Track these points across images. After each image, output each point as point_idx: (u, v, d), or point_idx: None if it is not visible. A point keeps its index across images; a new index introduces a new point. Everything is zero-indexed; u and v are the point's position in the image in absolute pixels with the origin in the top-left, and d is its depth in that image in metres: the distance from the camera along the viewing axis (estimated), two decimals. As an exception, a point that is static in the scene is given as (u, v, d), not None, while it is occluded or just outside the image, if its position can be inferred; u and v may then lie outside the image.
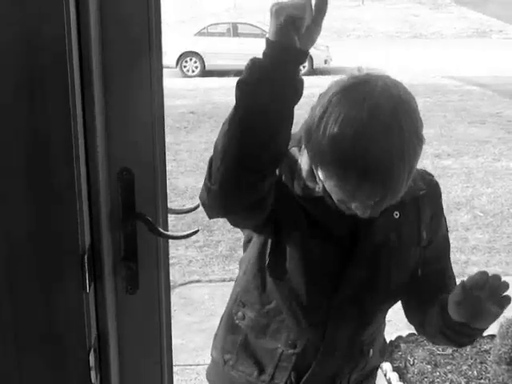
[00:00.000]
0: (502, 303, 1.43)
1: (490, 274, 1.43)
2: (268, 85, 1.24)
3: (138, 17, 1.09)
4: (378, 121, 1.30)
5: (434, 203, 1.66)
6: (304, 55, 1.28)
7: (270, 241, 1.59)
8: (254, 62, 1.26)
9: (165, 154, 1.19)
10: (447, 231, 1.73)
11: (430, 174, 1.69)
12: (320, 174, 1.41)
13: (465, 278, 1.45)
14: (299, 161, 1.53)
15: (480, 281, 1.43)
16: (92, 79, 1.06)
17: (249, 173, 1.32)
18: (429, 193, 1.64)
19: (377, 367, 1.90)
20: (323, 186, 1.43)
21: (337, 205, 1.45)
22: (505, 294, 1.43)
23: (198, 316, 4.52)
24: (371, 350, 1.77)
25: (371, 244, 1.58)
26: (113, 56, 1.10)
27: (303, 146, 1.47)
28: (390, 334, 1.80)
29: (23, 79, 0.98)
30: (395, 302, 1.72)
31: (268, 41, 1.26)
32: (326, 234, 1.56)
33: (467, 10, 30.69)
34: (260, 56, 1.27)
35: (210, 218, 1.47)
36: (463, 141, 9.41)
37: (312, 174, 1.47)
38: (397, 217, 1.57)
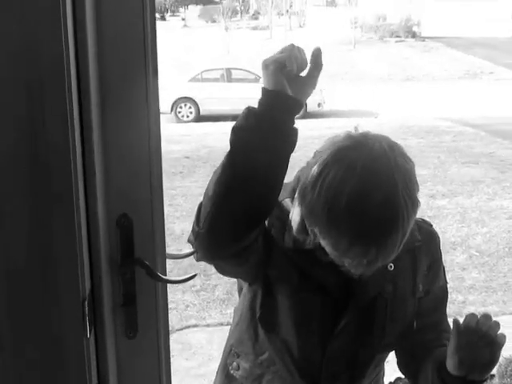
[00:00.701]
0: (497, 342, 1.44)
1: (479, 316, 1.45)
2: (262, 131, 1.28)
3: (135, 65, 1.13)
4: (373, 186, 1.30)
5: (431, 253, 1.65)
6: (298, 104, 1.32)
7: (260, 292, 1.59)
8: (249, 110, 1.30)
9: (162, 199, 1.22)
10: (446, 282, 1.71)
11: (427, 223, 1.68)
12: (314, 231, 1.40)
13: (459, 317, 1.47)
14: (291, 212, 1.52)
15: (471, 323, 1.44)
16: (91, 126, 1.09)
17: (237, 220, 1.33)
18: (426, 243, 1.62)
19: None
20: (315, 239, 1.42)
21: (330, 258, 1.43)
22: (499, 332, 1.44)
23: (196, 361, 4.50)
24: None
25: (365, 296, 1.57)
26: (111, 102, 1.13)
27: (295, 198, 1.46)
28: (388, 376, 1.79)
29: (21, 129, 1.02)
30: (389, 352, 1.72)
31: (263, 90, 1.31)
32: (318, 287, 1.55)
33: (457, 52, 31.10)
34: (255, 103, 1.31)
35: (197, 260, 1.48)
36: (457, 181, 9.47)
37: (303, 227, 1.45)
38: (391, 269, 1.56)
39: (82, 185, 1.08)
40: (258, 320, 1.61)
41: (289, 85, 1.32)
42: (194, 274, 1.31)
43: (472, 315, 1.46)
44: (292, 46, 1.33)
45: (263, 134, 1.28)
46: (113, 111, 1.14)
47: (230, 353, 1.76)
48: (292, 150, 1.31)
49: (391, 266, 1.55)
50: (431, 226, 1.69)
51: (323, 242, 1.38)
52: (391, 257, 1.36)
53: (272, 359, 1.65)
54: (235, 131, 1.30)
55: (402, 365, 1.75)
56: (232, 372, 1.75)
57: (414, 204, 1.34)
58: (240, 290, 1.72)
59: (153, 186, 1.18)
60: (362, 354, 1.64)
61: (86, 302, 1.10)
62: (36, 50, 0.99)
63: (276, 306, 1.57)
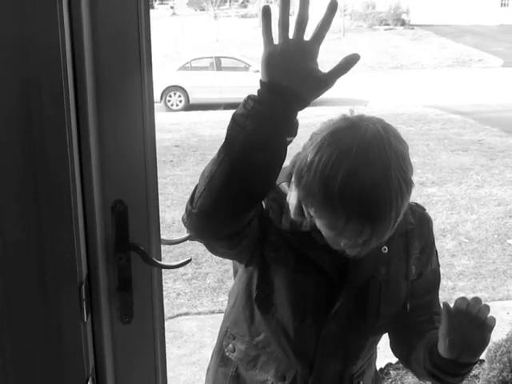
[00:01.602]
0: (487, 325, 1.47)
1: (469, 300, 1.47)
2: (261, 118, 1.26)
3: (130, 60, 1.14)
4: (367, 167, 1.31)
5: (423, 237, 1.67)
6: (299, 99, 1.27)
7: (256, 274, 1.61)
8: (249, 97, 1.28)
9: (157, 185, 1.23)
10: (438, 266, 1.73)
11: (421, 207, 1.70)
12: (310, 212, 1.41)
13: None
14: (288, 195, 1.54)
15: (461, 306, 1.46)
16: (87, 114, 1.10)
17: (228, 204, 1.34)
18: (419, 227, 1.65)
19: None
20: (311, 221, 1.44)
21: (326, 240, 1.45)
22: (488, 315, 1.46)
23: (188, 348, 4.52)
24: (361, 383, 1.77)
25: (359, 278, 1.59)
26: (106, 90, 1.14)
27: (292, 181, 1.47)
28: (379, 361, 1.81)
29: (18, 118, 1.02)
30: (383, 334, 1.74)
31: (260, 81, 1.28)
32: (314, 268, 1.56)
33: (446, 40, 31.13)
34: (244, 91, 1.31)
35: (191, 239, 1.49)
36: (447, 168, 9.51)
37: (300, 209, 1.48)
38: (385, 251, 1.58)
39: (78, 171, 1.09)
40: (255, 301, 1.63)
41: (302, 80, 1.27)
42: (188, 259, 1.32)
43: (462, 299, 1.48)
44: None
45: (260, 119, 1.26)
46: (108, 101, 1.14)
47: (226, 335, 1.77)
48: (289, 137, 1.29)
49: (385, 249, 1.58)
50: (424, 209, 1.71)
51: (319, 223, 1.40)
52: (386, 236, 1.38)
53: (267, 340, 1.67)
54: (234, 117, 1.28)
55: (394, 347, 1.77)
56: (227, 354, 1.77)
57: (408, 184, 1.35)
58: (235, 273, 1.74)
59: (147, 173, 1.19)
60: (356, 336, 1.66)
61: (83, 287, 1.12)
62: (33, 41, 1.00)
63: (272, 288, 1.59)
